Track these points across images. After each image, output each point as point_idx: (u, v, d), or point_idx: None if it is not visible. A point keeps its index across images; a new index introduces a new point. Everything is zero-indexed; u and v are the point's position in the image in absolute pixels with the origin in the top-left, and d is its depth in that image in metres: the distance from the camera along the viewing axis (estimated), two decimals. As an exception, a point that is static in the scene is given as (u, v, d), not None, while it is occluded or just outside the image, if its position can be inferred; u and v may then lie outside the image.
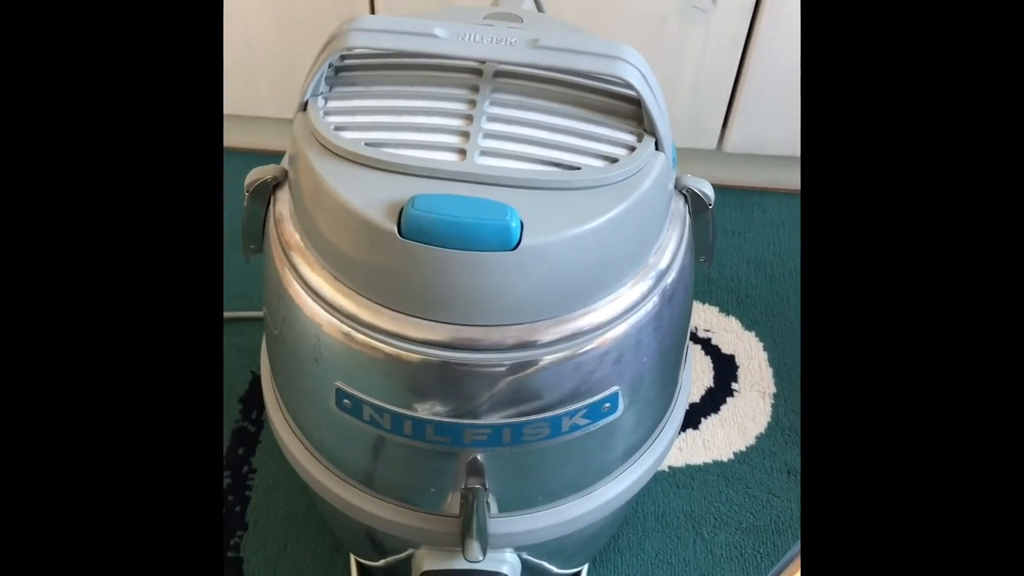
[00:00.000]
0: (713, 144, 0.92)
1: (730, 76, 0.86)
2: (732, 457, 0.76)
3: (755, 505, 0.73)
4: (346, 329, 0.46)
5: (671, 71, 0.85)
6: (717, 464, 0.75)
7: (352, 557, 0.67)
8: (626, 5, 0.82)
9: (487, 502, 0.50)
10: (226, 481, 0.72)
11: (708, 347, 0.83)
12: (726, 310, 0.86)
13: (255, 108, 0.91)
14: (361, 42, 0.45)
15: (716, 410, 0.79)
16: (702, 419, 0.78)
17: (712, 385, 0.80)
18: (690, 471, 0.75)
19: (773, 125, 0.89)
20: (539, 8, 0.62)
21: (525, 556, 0.57)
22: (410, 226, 0.41)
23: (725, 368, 0.82)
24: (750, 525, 0.71)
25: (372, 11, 0.83)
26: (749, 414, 0.78)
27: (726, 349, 0.83)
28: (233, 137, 0.94)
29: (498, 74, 0.47)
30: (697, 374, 0.81)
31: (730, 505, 0.73)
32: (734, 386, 0.80)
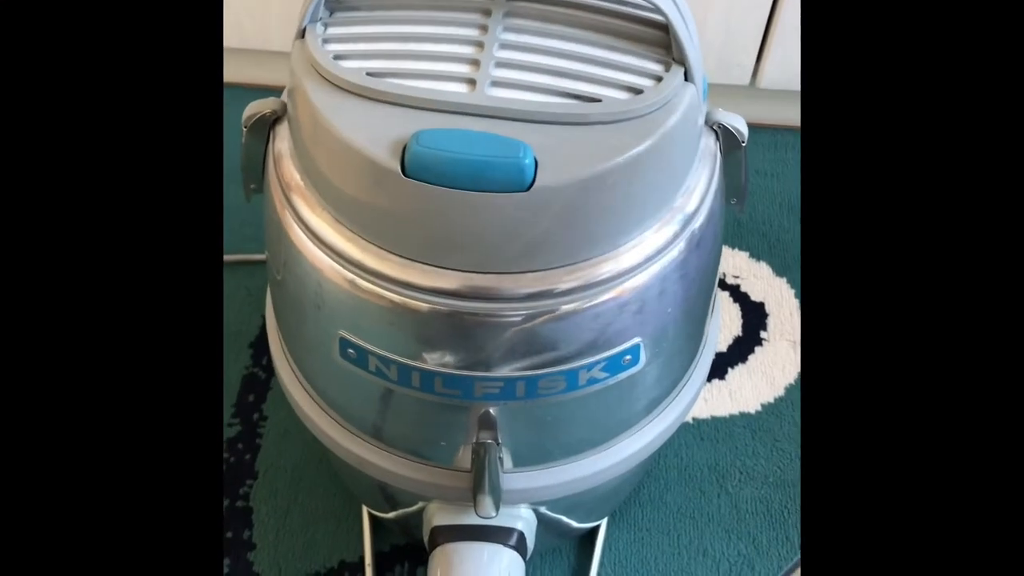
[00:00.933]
0: (746, 80, 0.87)
1: (765, 8, 0.81)
2: (760, 409, 0.73)
3: (783, 459, 0.70)
4: (349, 276, 0.43)
5: (702, 4, 0.80)
6: (744, 416, 0.72)
7: (364, 509, 0.65)
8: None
9: (500, 457, 0.48)
10: (236, 429, 0.70)
11: (737, 294, 0.80)
12: (756, 255, 0.82)
13: (264, 41, 0.87)
14: (361, -40, 0.41)
15: (744, 360, 0.76)
16: (729, 369, 0.75)
17: (740, 334, 0.77)
18: (715, 423, 0.72)
19: (811, 59, 0.84)
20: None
21: (542, 511, 0.54)
22: (414, 164, 0.38)
23: (754, 316, 0.78)
24: (777, 479, 0.69)
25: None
26: (778, 364, 0.75)
27: (756, 296, 0.79)
28: (242, 72, 0.91)
29: (512, -3, 0.43)
30: (725, 322, 0.78)
31: (757, 459, 0.70)
32: (763, 335, 0.77)
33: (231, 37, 0.86)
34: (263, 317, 0.76)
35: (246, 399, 0.72)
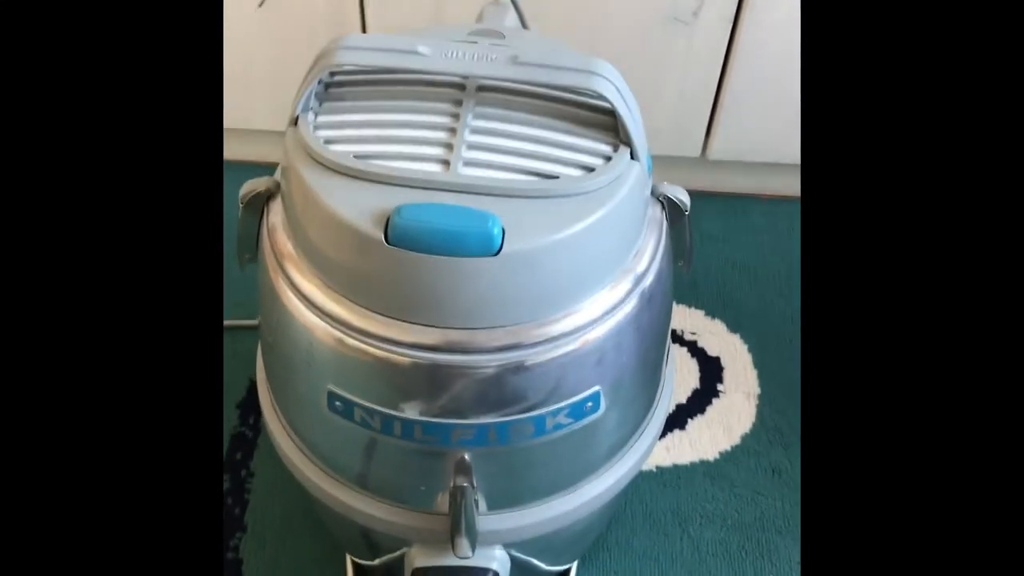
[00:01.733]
0: (697, 152, 0.94)
1: (712, 86, 0.89)
2: (718, 456, 0.78)
3: (740, 503, 0.75)
4: (337, 334, 0.48)
5: (655, 82, 0.88)
6: (703, 463, 0.77)
7: (348, 557, 0.69)
8: (609, 19, 0.84)
9: (475, 500, 0.52)
10: (225, 485, 0.74)
11: (694, 349, 0.85)
12: (712, 313, 0.88)
13: (250, 121, 0.93)
14: (348, 60, 0.47)
15: (702, 411, 0.81)
16: (688, 420, 0.80)
17: (698, 386, 0.82)
18: (677, 470, 0.77)
19: (755, 133, 0.92)
20: (523, 24, 0.64)
21: (514, 552, 0.58)
22: (396, 234, 0.43)
23: (711, 370, 0.84)
24: (735, 522, 0.73)
25: (364, 28, 0.85)
26: (734, 414, 0.80)
27: (712, 351, 0.85)
28: (229, 149, 0.96)
29: (481, 88, 0.50)
30: (684, 376, 0.83)
31: (716, 503, 0.74)
32: (719, 387, 0.82)
33: (218, 118, 0.92)
34: (250, 379, 0.80)
35: (234, 456, 0.75)
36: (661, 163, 0.92)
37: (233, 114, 0.92)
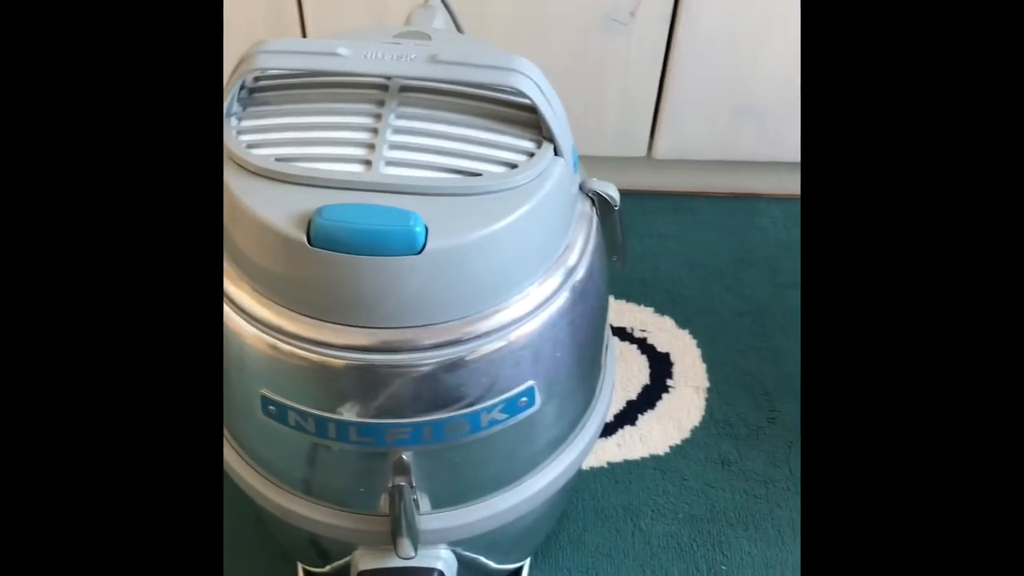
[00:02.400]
0: (643, 152, 0.95)
1: (654, 86, 0.90)
2: (668, 451, 0.78)
3: (691, 496, 0.75)
4: (268, 339, 0.48)
5: (597, 83, 0.89)
6: (654, 458, 0.78)
7: (299, 566, 0.68)
8: (548, 22, 0.85)
9: (415, 499, 0.52)
10: (174, 499, 0.73)
11: (644, 346, 0.86)
12: (661, 310, 0.89)
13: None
14: (267, 63, 0.47)
15: (652, 406, 0.81)
16: (639, 415, 0.81)
17: (648, 382, 0.83)
18: (628, 466, 0.77)
19: (699, 131, 0.93)
20: (458, 27, 0.64)
21: (460, 551, 0.58)
22: (318, 235, 0.44)
23: (660, 366, 0.84)
24: (686, 515, 0.74)
25: (303, 30, 0.86)
26: (684, 408, 0.81)
27: (661, 347, 0.86)
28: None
29: (403, 89, 0.50)
30: (633, 372, 0.84)
31: (667, 497, 0.75)
32: (669, 382, 0.83)
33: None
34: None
35: (182, 470, 0.75)
36: (608, 164, 0.94)
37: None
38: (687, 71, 0.88)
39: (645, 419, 0.80)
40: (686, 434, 0.79)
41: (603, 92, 0.89)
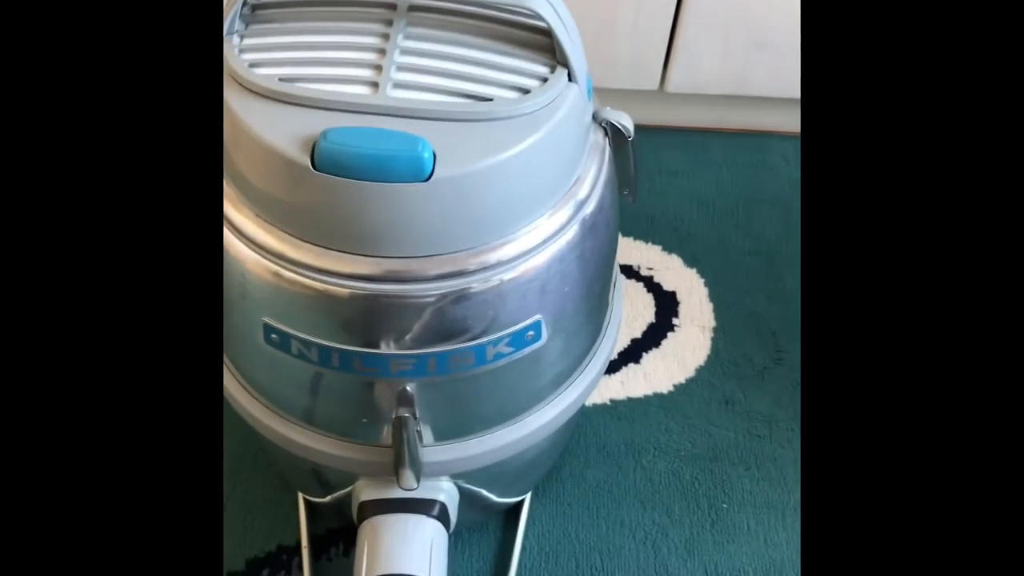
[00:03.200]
0: (655, 85, 0.93)
1: (668, 17, 0.87)
2: (672, 389, 0.78)
3: (693, 434, 0.75)
4: (270, 266, 0.47)
5: (609, 11, 0.86)
6: (657, 396, 0.77)
7: (300, 495, 0.69)
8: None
9: (418, 431, 0.52)
10: (175, 426, 0.73)
11: (650, 284, 0.85)
12: (668, 248, 0.88)
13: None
14: (271, -23, 0.45)
15: (657, 344, 0.81)
16: (643, 354, 0.80)
17: (654, 321, 0.82)
18: (631, 403, 0.77)
19: (713, 65, 0.90)
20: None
21: (462, 484, 0.58)
22: (323, 159, 0.42)
23: (666, 304, 0.83)
24: (688, 453, 0.74)
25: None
26: (689, 347, 0.80)
27: (668, 286, 0.85)
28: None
29: (412, 8, 0.48)
30: (639, 310, 0.83)
31: (669, 435, 0.75)
32: (675, 321, 0.82)
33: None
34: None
35: (184, 398, 0.75)
36: (618, 97, 0.91)
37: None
38: (703, 2, 0.85)
39: (649, 357, 0.80)
40: (690, 373, 0.79)
41: (616, 22, 0.87)
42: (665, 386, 0.78)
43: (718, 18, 0.86)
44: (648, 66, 0.91)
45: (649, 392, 0.78)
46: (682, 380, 0.78)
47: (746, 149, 0.97)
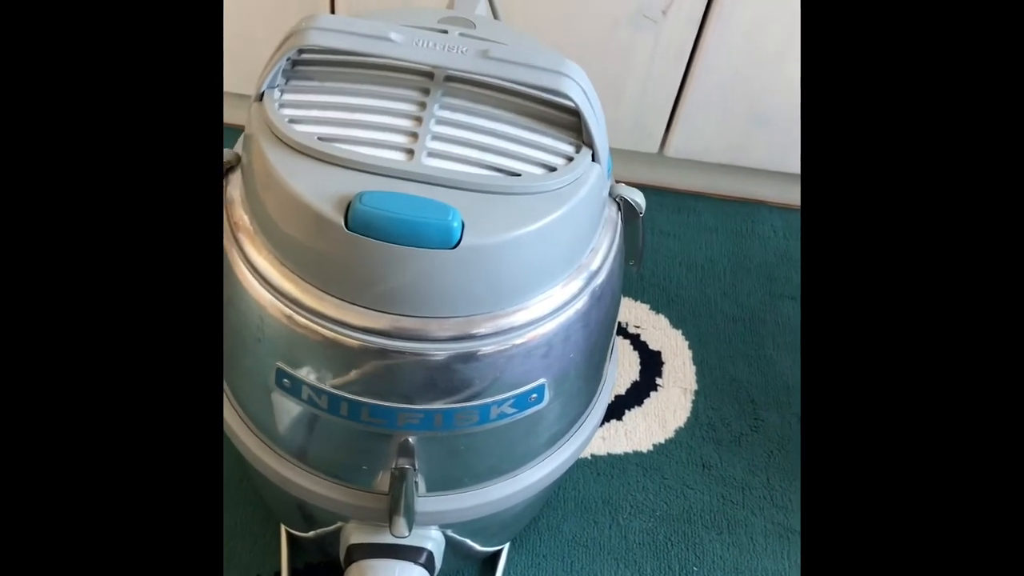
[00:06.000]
0: (655, 148, 0.96)
1: (675, 84, 0.90)
2: (651, 448, 0.80)
3: (670, 495, 0.77)
4: (289, 312, 0.48)
5: (619, 76, 0.89)
6: (637, 454, 0.79)
7: (282, 527, 0.69)
8: (579, 12, 0.84)
9: (416, 481, 0.53)
10: (161, 449, 0.74)
11: (637, 342, 0.87)
12: (656, 308, 0.90)
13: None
14: (319, 41, 0.47)
15: (640, 403, 0.83)
16: (626, 411, 0.82)
17: (638, 379, 0.84)
18: (611, 460, 0.79)
19: (713, 133, 0.94)
20: (495, 14, 0.64)
21: (449, 533, 0.60)
22: (356, 220, 0.44)
23: (651, 363, 0.86)
24: (664, 514, 0.76)
25: (332, 7, 0.84)
26: (670, 408, 0.83)
27: (654, 345, 0.87)
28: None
29: (449, 79, 0.50)
30: (624, 367, 0.85)
31: (646, 494, 0.77)
32: (658, 381, 0.84)
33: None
34: (193, 343, 0.79)
35: (172, 421, 0.75)
36: (619, 157, 0.94)
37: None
38: (709, 74, 0.89)
39: (631, 415, 0.82)
40: (670, 434, 0.81)
41: (624, 86, 0.89)
42: (645, 445, 0.80)
43: (721, 91, 0.90)
44: (650, 130, 0.94)
45: (629, 450, 0.79)
46: (662, 440, 0.80)
47: (737, 217, 1.00)
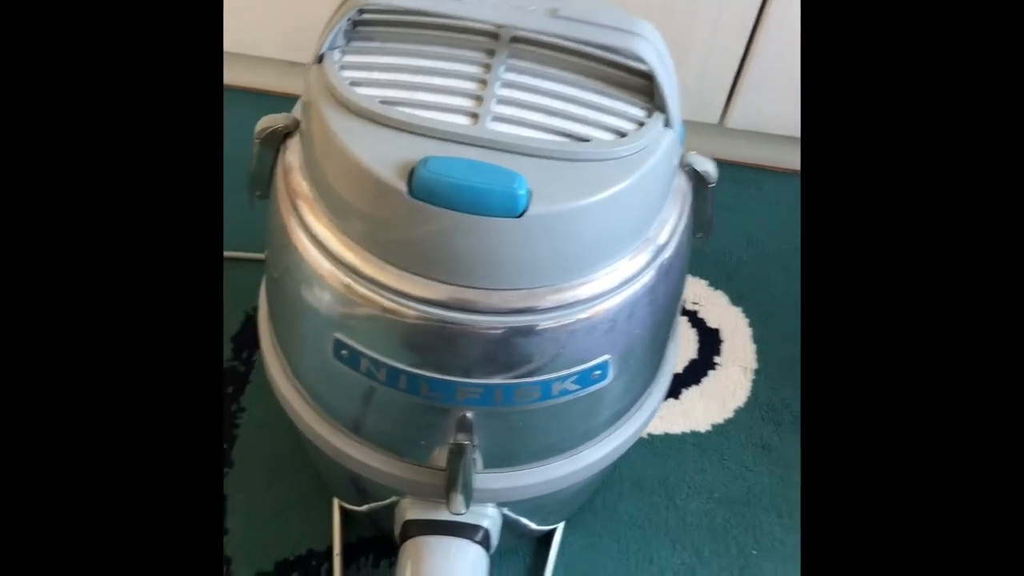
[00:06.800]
0: (716, 119, 0.93)
1: (738, 54, 0.87)
2: (710, 428, 0.78)
3: (728, 477, 0.75)
4: (347, 281, 0.47)
5: (681, 44, 0.86)
6: (694, 434, 0.77)
7: (335, 501, 0.68)
8: (641, -26, 0.81)
9: (474, 458, 0.52)
10: (214, 419, 0.73)
11: (694, 320, 0.85)
12: (715, 284, 0.87)
13: (259, 48, 0.90)
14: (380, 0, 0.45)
15: (697, 382, 0.80)
16: (683, 390, 0.80)
17: (696, 357, 0.82)
18: (668, 439, 0.77)
19: (774, 105, 0.90)
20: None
21: (506, 511, 0.58)
22: (420, 187, 0.42)
23: (709, 341, 0.83)
24: (722, 496, 0.74)
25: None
26: (729, 388, 0.80)
27: (711, 323, 0.85)
28: (236, 76, 0.94)
29: (515, 40, 0.48)
30: (682, 345, 0.82)
31: (704, 475, 0.75)
32: (716, 359, 0.82)
33: (230, 43, 0.89)
34: (245, 313, 0.79)
35: (225, 391, 0.75)
36: (679, 128, 0.91)
37: (242, 40, 0.90)
38: (772, 46, 0.85)
39: (689, 394, 0.80)
40: (729, 414, 0.79)
41: (687, 54, 0.86)
42: (703, 425, 0.78)
43: (784, 62, 0.86)
44: (711, 100, 0.91)
45: (687, 430, 0.77)
46: (720, 420, 0.78)
47: (798, 190, 0.97)
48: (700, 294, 0.87)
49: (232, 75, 0.93)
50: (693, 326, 0.84)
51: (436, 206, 0.42)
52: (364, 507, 0.64)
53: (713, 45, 0.86)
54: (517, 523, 0.61)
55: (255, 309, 0.79)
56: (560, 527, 0.69)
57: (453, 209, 0.42)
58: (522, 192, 0.42)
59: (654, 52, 0.45)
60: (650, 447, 0.76)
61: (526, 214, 0.42)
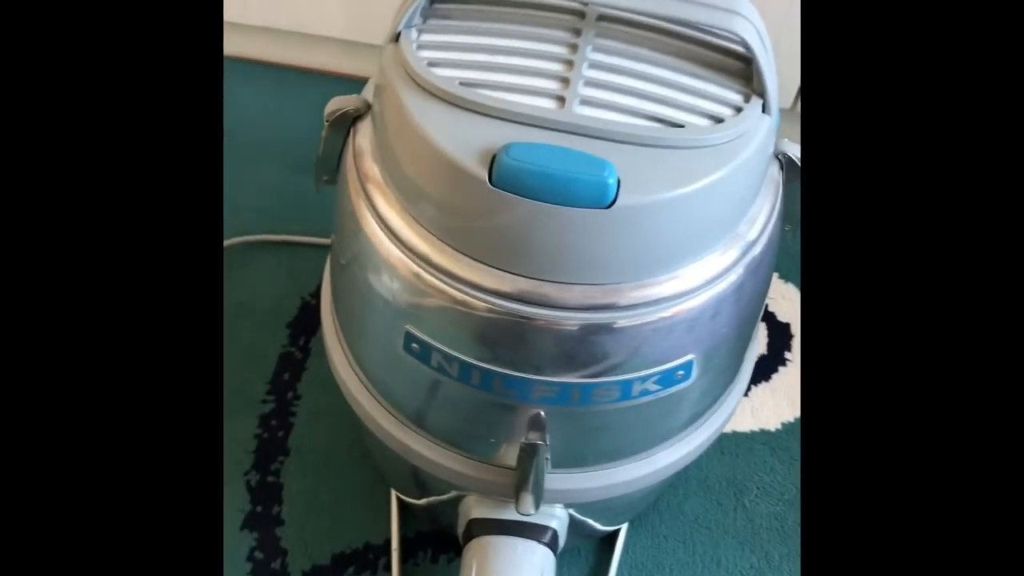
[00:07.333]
0: (789, 103, 0.89)
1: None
2: (780, 427, 0.74)
3: (799, 478, 0.72)
4: (418, 271, 0.44)
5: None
6: (764, 433, 0.74)
7: (393, 493, 0.67)
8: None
9: (547, 458, 0.50)
10: (270, 406, 0.72)
11: (764, 313, 0.81)
12: (786, 277, 0.84)
13: (323, 27, 0.88)
14: (463, -27, 0.42)
15: (767, 378, 0.77)
16: (752, 386, 0.77)
17: (765, 352, 0.79)
18: (736, 438, 0.74)
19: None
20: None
21: (572, 512, 0.56)
22: (502, 175, 0.40)
23: (780, 336, 0.80)
24: (792, 498, 0.71)
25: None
26: (800, 385, 0.77)
27: (782, 316, 0.81)
28: (299, 56, 0.92)
29: (601, 18, 0.45)
30: (751, 340, 0.79)
31: (774, 476, 0.72)
32: (787, 355, 0.79)
33: (282, 19, 0.87)
34: (301, 299, 0.77)
35: (281, 377, 0.73)
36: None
37: (306, 19, 0.88)
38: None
39: (758, 391, 0.76)
40: (800, 412, 0.75)
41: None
42: (773, 423, 0.75)
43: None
44: (785, 84, 0.87)
45: (756, 428, 0.74)
46: (791, 419, 0.75)
47: (873, 180, 0.92)
48: (771, 287, 0.83)
49: (291, 55, 0.91)
50: (763, 320, 0.81)
51: (518, 195, 0.40)
52: (423, 501, 0.62)
53: (787, 27, 0.82)
54: (583, 524, 0.59)
55: (312, 295, 0.78)
56: (624, 527, 0.67)
57: (536, 199, 0.40)
58: (612, 181, 0.39)
59: (754, 32, 0.42)
60: (718, 446, 0.73)
61: (615, 205, 0.40)
